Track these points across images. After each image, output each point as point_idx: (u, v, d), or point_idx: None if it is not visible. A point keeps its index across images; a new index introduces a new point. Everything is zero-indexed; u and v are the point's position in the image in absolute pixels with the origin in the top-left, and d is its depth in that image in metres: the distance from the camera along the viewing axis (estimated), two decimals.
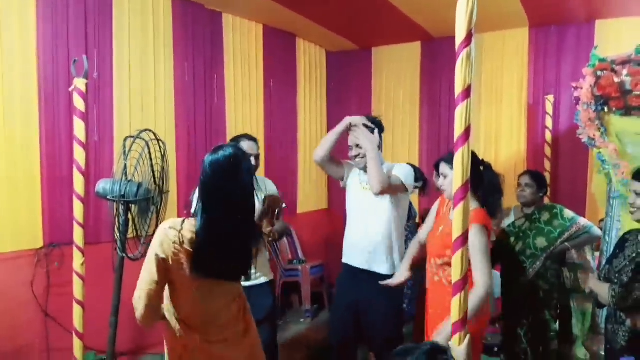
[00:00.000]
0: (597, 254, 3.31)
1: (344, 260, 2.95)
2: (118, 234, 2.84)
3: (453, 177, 1.80)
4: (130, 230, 2.88)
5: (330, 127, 6.01)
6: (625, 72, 2.51)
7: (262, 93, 5.06)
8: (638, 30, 4.29)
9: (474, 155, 2.40)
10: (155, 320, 1.91)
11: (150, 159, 2.84)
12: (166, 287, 1.91)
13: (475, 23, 1.65)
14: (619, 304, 2.07)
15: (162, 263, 1.82)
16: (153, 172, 2.86)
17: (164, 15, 4.07)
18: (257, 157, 3.02)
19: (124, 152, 2.72)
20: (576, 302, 3.38)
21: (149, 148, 2.82)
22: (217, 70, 4.55)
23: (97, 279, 3.11)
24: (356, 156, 2.86)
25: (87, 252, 2.88)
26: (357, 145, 2.85)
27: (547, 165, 4.72)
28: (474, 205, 2.33)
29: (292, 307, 5.16)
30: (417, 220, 4.28)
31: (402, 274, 2.68)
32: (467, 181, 1.69)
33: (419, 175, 3.63)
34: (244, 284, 2.28)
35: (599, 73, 2.60)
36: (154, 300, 1.83)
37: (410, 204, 3.90)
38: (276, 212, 2.41)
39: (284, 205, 3.12)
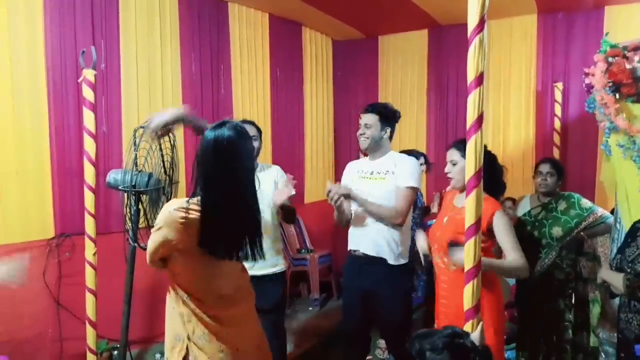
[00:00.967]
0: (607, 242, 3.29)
1: (350, 247, 2.96)
2: (129, 224, 2.86)
3: (463, 164, 1.81)
4: (141, 220, 2.89)
5: (336, 115, 6.03)
6: (637, 58, 2.47)
7: (269, 82, 5.06)
8: None
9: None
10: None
11: (160, 149, 2.84)
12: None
13: (487, 9, 1.64)
14: (634, 293, 2.07)
15: (168, 244, 1.79)
16: (163, 162, 2.87)
17: (170, 6, 4.06)
18: (255, 138, 2.98)
19: (134, 142, 2.72)
20: (589, 290, 3.37)
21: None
22: (223, 59, 4.54)
23: (107, 268, 3.14)
24: (362, 134, 2.85)
25: (97, 242, 2.91)
26: (366, 125, 2.83)
27: (556, 153, 4.69)
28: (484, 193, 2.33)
29: (300, 296, 5.18)
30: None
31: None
32: (480, 169, 1.69)
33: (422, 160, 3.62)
34: (259, 272, 2.28)
35: (610, 59, 2.58)
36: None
37: (419, 194, 3.91)
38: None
39: (293, 193, 3.14)
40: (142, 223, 2.93)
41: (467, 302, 1.78)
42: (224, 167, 1.76)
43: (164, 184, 2.89)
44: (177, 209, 1.76)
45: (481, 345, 1.61)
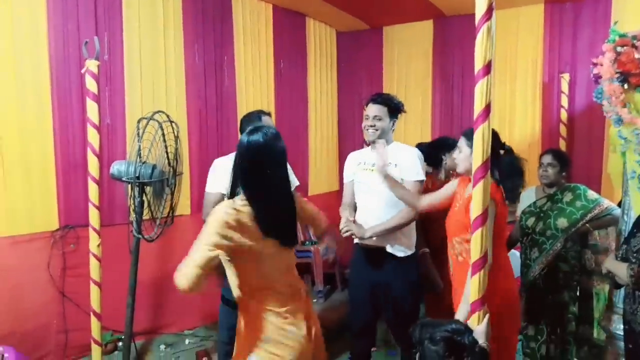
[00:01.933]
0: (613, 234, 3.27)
1: (357, 240, 2.93)
2: (134, 216, 2.86)
3: (469, 152, 1.79)
4: (145, 212, 2.89)
5: (340, 107, 6.00)
6: None
7: (273, 74, 5.03)
8: None
9: (495, 136, 2.38)
10: (200, 288, 1.88)
11: (164, 141, 2.84)
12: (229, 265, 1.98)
13: None
14: (638, 283, 2.05)
15: (223, 246, 1.84)
16: (167, 153, 2.86)
17: None
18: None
19: (138, 133, 2.72)
20: (594, 282, 3.35)
21: (162, 129, 2.82)
22: (227, 51, 4.51)
23: (111, 260, 3.15)
24: (372, 126, 2.80)
25: (102, 233, 2.91)
26: (375, 117, 2.78)
27: (562, 144, 4.66)
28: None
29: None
30: None
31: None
32: (488, 159, 1.67)
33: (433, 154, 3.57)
34: None
35: (618, 49, 2.54)
36: (203, 277, 1.83)
37: None
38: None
39: (297, 184, 3.14)
40: (146, 214, 2.92)
41: (474, 294, 1.76)
42: (260, 168, 1.92)
43: (168, 176, 2.88)
44: (227, 211, 1.87)
45: (479, 346, 1.60)
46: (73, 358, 3.49)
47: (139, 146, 2.73)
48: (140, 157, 2.75)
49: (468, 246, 1.85)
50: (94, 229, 2.87)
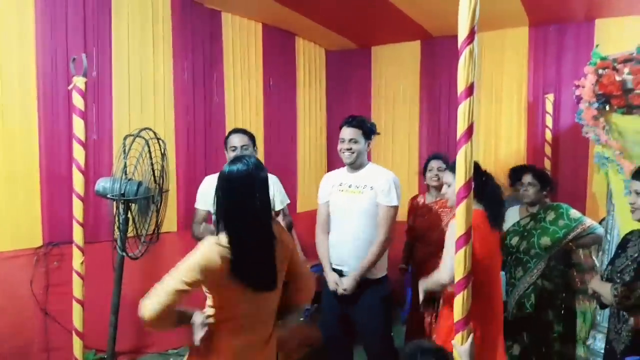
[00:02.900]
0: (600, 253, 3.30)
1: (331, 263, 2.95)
2: (118, 233, 2.84)
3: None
4: (130, 229, 2.87)
5: (329, 125, 6.03)
6: (626, 70, 2.50)
7: (262, 92, 5.05)
8: (638, 29, 4.27)
9: (476, 164, 2.42)
10: (165, 325, 1.85)
11: (150, 158, 2.83)
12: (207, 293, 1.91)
13: (477, 20, 1.65)
14: (621, 303, 2.07)
15: (198, 282, 1.80)
16: (153, 170, 2.85)
17: (163, 14, 4.05)
18: (247, 148, 3.01)
19: (124, 150, 2.71)
20: (578, 301, 3.37)
21: (148, 146, 2.81)
22: (216, 68, 4.54)
23: (96, 278, 3.11)
24: (348, 149, 2.84)
25: (86, 251, 2.88)
26: (351, 140, 2.84)
27: (547, 164, 4.71)
28: (475, 206, 2.32)
29: None
30: None
31: None
32: (470, 179, 1.69)
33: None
34: None
35: (600, 71, 2.60)
36: (172, 305, 1.78)
37: None
38: None
39: (288, 202, 3.17)
40: (130, 232, 2.90)
41: (457, 314, 1.76)
42: (240, 201, 1.83)
43: (154, 193, 2.87)
44: (211, 249, 1.81)
45: None
46: None
47: (125, 163, 2.72)
48: (126, 174, 2.74)
49: None
50: (78, 247, 2.83)
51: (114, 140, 3.72)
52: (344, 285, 2.79)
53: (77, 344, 2.87)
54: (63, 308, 3.17)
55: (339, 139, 2.91)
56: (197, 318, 1.88)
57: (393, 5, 4.35)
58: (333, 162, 6.04)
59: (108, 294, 3.10)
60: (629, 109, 2.53)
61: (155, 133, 2.88)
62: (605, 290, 2.14)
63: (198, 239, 2.73)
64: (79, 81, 2.75)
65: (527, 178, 3.23)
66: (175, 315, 1.84)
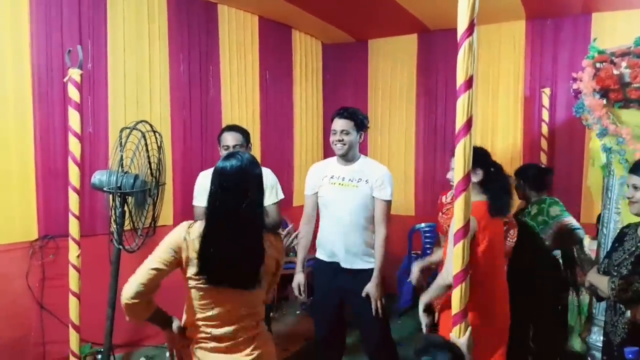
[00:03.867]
0: (594, 247, 3.31)
1: (322, 258, 2.96)
2: (114, 226, 2.82)
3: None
4: (126, 222, 2.86)
5: (326, 119, 6.02)
6: (624, 64, 2.50)
7: (258, 85, 5.03)
8: (634, 22, 4.28)
9: (486, 155, 2.46)
10: (143, 311, 1.83)
11: (147, 151, 2.82)
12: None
13: (477, 13, 1.64)
14: (619, 296, 2.08)
15: (174, 252, 1.81)
16: (149, 163, 2.84)
17: (158, 6, 4.02)
18: (240, 146, 3.00)
19: (120, 143, 2.69)
20: (574, 294, 3.40)
21: (145, 139, 2.80)
22: (212, 61, 4.51)
23: (91, 271, 3.10)
24: (340, 141, 2.83)
25: (82, 244, 2.87)
26: (343, 131, 2.82)
27: (543, 158, 4.72)
28: (476, 197, 2.33)
29: (287, 300, 5.15)
30: None
31: None
32: (469, 172, 1.69)
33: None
34: None
35: (598, 65, 2.60)
36: (149, 284, 1.77)
37: None
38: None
39: (282, 197, 3.15)
40: (127, 225, 2.89)
41: (455, 306, 1.77)
42: (228, 197, 1.81)
43: (150, 186, 2.86)
44: (185, 226, 1.85)
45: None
46: None
47: (121, 156, 2.70)
48: (122, 167, 2.72)
49: None
50: (74, 239, 2.83)
51: (110, 133, 3.71)
52: (372, 295, 2.79)
53: (73, 337, 2.87)
54: (59, 301, 3.17)
55: (331, 131, 2.89)
56: (175, 323, 1.93)
57: None
58: (329, 155, 5.99)
59: (104, 287, 3.09)
60: (626, 103, 2.54)
61: (151, 126, 2.87)
62: (603, 283, 2.15)
63: None
64: (75, 73, 2.73)
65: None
66: (153, 305, 1.85)
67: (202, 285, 1.83)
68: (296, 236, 2.66)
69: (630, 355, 1.82)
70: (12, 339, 3.24)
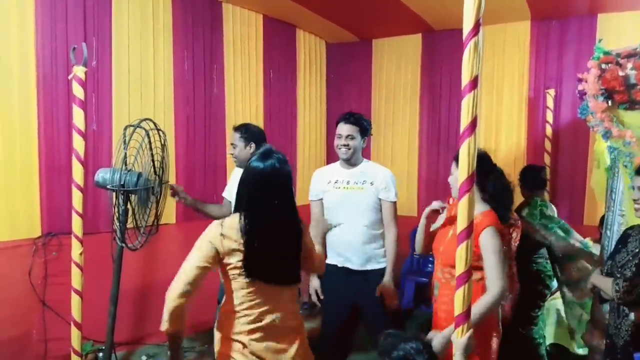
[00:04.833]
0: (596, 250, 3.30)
1: (334, 262, 2.94)
2: (117, 224, 2.82)
3: (458, 175, 1.77)
4: (129, 220, 2.86)
5: (329, 118, 6.01)
6: (630, 65, 2.48)
7: (262, 84, 5.03)
8: None
9: (486, 159, 2.40)
10: (183, 315, 1.89)
11: (151, 149, 2.81)
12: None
13: (483, 12, 1.63)
14: (623, 298, 2.07)
15: (213, 250, 1.87)
16: (153, 161, 2.84)
17: (163, 4, 4.03)
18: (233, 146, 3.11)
19: (124, 141, 2.69)
20: (574, 294, 3.40)
21: (149, 137, 2.80)
22: (216, 60, 4.51)
23: (94, 269, 3.09)
24: (345, 145, 2.85)
25: (85, 242, 2.87)
26: (348, 136, 2.85)
27: (547, 159, 4.71)
28: (483, 207, 2.29)
29: None
30: None
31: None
32: (473, 173, 1.67)
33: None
34: None
35: (603, 66, 2.58)
36: (194, 283, 1.83)
37: None
38: None
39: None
40: (130, 223, 2.89)
41: (458, 308, 1.76)
42: (267, 194, 1.91)
43: (154, 184, 2.86)
44: (216, 226, 1.91)
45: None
46: None
47: (125, 154, 2.70)
48: (125, 165, 2.72)
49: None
50: (77, 237, 2.82)
51: (113, 131, 3.71)
52: (385, 292, 2.81)
53: (75, 334, 2.86)
54: (61, 298, 3.16)
55: (336, 135, 2.92)
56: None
57: None
58: (332, 155, 6.04)
59: (106, 285, 3.09)
60: (631, 105, 2.52)
61: (155, 124, 2.86)
62: (607, 285, 2.14)
63: None
64: (79, 71, 2.72)
65: None
66: (186, 317, 1.92)
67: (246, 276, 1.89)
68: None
69: None
70: (14, 336, 3.25)
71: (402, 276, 4.69)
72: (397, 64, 5.69)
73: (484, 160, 2.36)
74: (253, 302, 1.92)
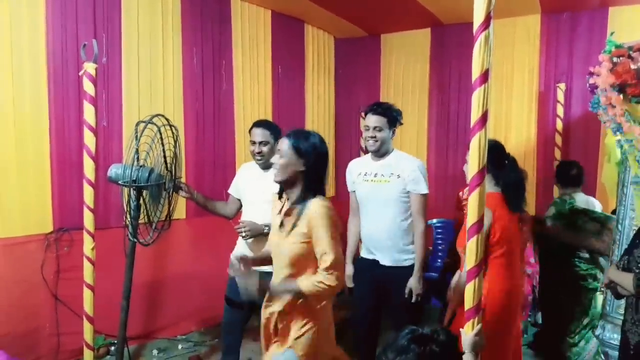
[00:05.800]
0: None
1: (367, 256, 2.96)
2: (129, 219, 2.84)
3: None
4: (141, 216, 2.87)
5: (338, 113, 6.02)
6: None
7: (270, 79, 5.03)
8: None
9: (500, 148, 2.44)
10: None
11: (162, 145, 2.83)
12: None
13: (494, 6, 1.63)
14: None
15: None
16: (165, 157, 2.85)
17: (172, 1, 4.04)
18: (266, 143, 2.91)
19: (136, 137, 2.70)
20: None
21: (160, 133, 2.81)
22: (225, 55, 4.52)
23: (105, 263, 3.13)
24: (372, 137, 2.81)
25: (96, 237, 2.90)
26: (376, 128, 2.80)
27: (558, 154, 4.68)
28: (490, 189, 2.31)
29: None
30: None
31: None
32: (484, 167, 1.68)
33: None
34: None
35: (615, 59, 2.55)
36: None
37: None
38: None
39: None
40: (142, 219, 2.91)
41: (468, 302, 1.76)
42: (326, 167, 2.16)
43: (165, 179, 2.87)
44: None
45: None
46: None
47: (137, 149, 2.72)
48: (138, 161, 2.74)
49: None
50: (89, 232, 2.85)
51: (124, 127, 3.74)
52: (415, 290, 2.80)
53: (87, 328, 2.90)
54: (73, 293, 3.20)
55: (364, 126, 2.89)
56: None
57: None
58: (341, 150, 6.04)
59: (117, 279, 3.12)
60: None
61: (167, 119, 2.88)
62: (627, 280, 2.10)
63: None
64: (90, 67, 2.75)
65: None
66: None
67: None
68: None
69: None
70: (26, 330, 3.29)
71: None
72: (406, 59, 5.66)
73: (496, 150, 2.37)
74: None
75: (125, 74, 3.75)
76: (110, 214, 3.64)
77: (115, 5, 3.67)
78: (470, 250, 1.73)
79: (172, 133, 2.88)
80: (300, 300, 2.05)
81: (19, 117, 3.22)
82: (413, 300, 2.80)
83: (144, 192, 2.83)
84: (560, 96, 4.68)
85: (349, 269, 2.99)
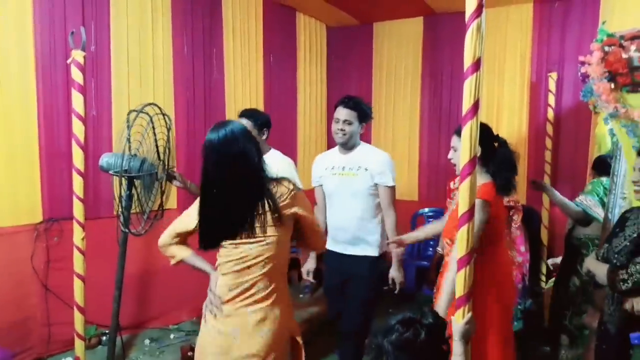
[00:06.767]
0: None
1: (333, 248, 2.96)
2: (121, 210, 2.82)
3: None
4: (134, 206, 2.86)
5: (330, 102, 5.99)
6: (633, 47, 2.44)
7: (262, 68, 5.00)
8: None
9: (488, 130, 2.39)
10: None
11: (154, 134, 2.81)
12: None
13: None
14: (613, 285, 1.99)
15: None
16: (157, 147, 2.83)
17: None
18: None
19: (128, 126, 2.68)
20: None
21: (152, 122, 2.79)
22: (216, 43, 4.48)
23: (96, 253, 3.11)
24: (341, 130, 2.82)
25: (86, 227, 2.87)
26: (345, 121, 2.81)
27: (549, 143, 4.70)
28: (483, 179, 2.30)
29: (291, 283, 5.17)
30: None
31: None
32: (475, 156, 1.67)
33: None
34: None
35: (606, 48, 2.55)
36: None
37: None
38: None
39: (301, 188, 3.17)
40: (134, 208, 2.89)
41: (459, 290, 1.76)
42: (213, 168, 1.97)
43: (158, 169, 2.85)
44: None
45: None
46: (56, 352, 3.44)
47: (129, 139, 2.69)
48: (130, 150, 2.71)
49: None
50: (78, 222, 2.83)
51: (113, 116, 3.70)
52: (397, 279, 2.84)
53: (78, 318, 2.88)
54: (64, 283, 3.18)
55: (334, 119, 2.89)
56: None
57: None
58: (333, 138, 5.99)
59: (108, 269, 3.11)
60: (634, 87, 2.49)
61: (160, 108, 2.85)
62: (602, 271, 2.08)
63: None
64: (78, 55, 2.70)
65: None
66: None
67: None
68: None
69: (636, 341, 1.80)
70: (17, 321, 3.28)
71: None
72: (398, 48, 5.64)
73: (485, 132, 2.35)
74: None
75: (114, 62, 3.70)
76: (100, 204, 3.61)
77: None
78: (461, 239, 1.73)
79: (165, 122, 2.85)
80: None
81: (7, 106, 3.17)
82: (397, 289, 2.83)
83: (136, 182, 2.81)
84: (552, 85, 4.69)
85: (309, 264, 3.01)
